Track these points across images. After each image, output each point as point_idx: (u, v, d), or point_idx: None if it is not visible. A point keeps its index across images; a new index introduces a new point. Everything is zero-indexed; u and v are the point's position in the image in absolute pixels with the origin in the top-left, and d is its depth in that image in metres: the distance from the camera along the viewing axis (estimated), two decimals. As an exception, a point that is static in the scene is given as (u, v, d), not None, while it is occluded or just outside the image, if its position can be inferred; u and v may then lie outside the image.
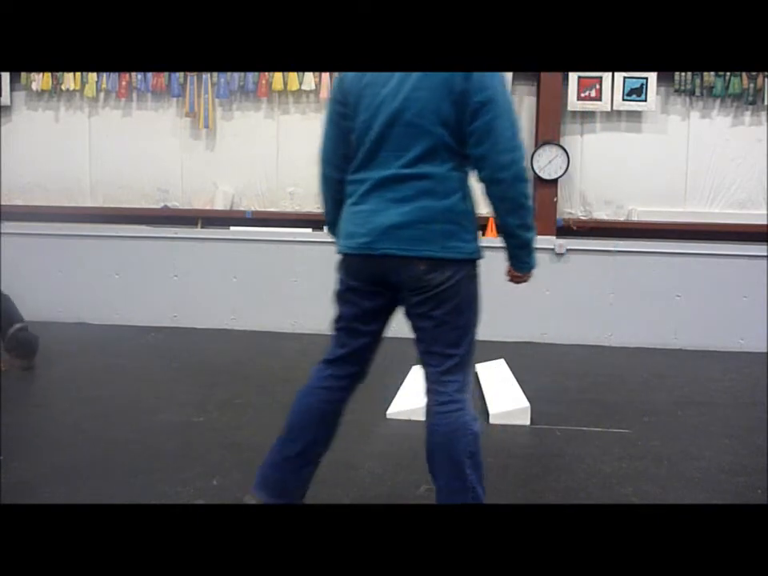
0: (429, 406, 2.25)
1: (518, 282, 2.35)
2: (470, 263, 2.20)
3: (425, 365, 2.27)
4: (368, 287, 2.26)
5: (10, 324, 4.84)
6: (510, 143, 2.06)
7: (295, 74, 7.23)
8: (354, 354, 2.40)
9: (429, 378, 2.26)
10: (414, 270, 2.13)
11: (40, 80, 7.57)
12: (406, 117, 2.10)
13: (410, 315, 2.26)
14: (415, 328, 2.26)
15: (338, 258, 2.32)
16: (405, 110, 2.10)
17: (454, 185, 2.13)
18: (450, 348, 2.20)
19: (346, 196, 2.29)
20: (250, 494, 2.44)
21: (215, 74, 7.33)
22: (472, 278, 2.22)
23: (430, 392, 2.26)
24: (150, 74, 7.37)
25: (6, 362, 4.77)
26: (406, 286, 2.17)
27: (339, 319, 2.40)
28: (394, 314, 2.37)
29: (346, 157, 2.30)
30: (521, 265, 2.28)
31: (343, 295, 2.34)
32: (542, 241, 6.75)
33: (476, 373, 4.91)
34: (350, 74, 2.23)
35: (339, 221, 2.33)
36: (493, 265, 7.18)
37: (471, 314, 2.23)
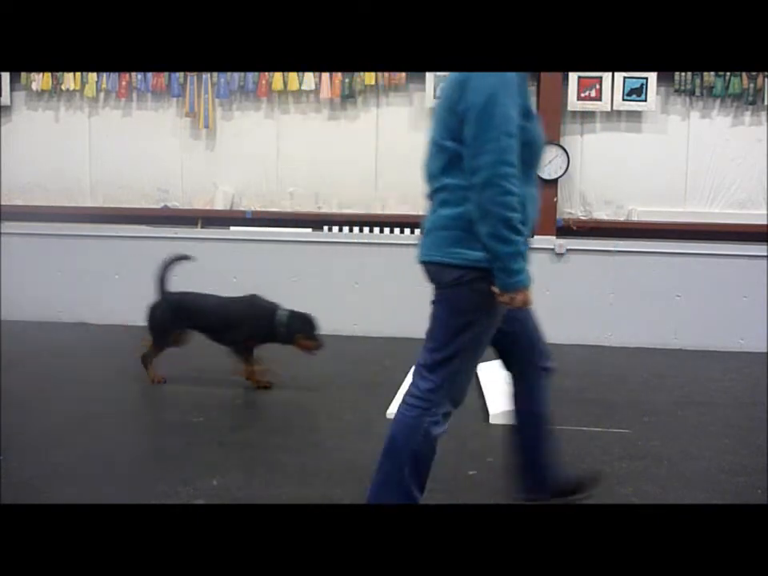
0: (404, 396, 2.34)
1: (506, 304, 2.16)
2: (474, 270, 2.15)
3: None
4: None
5: None
6: (480, 147, 2.03)
7: (295, 73, 7.22)
8: None
9: (414, 371, 2.33)
10: (428, 273, 2.27)
11: (40, 80, 7.56)
12: (432, 134, 2.25)
13: None
14: None
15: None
16: (432, 127, 2.26)
17: (467, 194, 2.12)
18: (436, 345, 2.24)
19: None
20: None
21: (215, 73, 7.33)
22: (476, 286, 2.16)
23: (410, 384, 2.33)
24: (149, 74, 7.37)
25: None
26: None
27: None
28: None
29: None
30: (498, 282, 2.13)
31: None
32: (541, 241, 6.74)
33: (476, 373, 4.90)
34: None
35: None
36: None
37: (467, 320, 2.20)
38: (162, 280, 4.76)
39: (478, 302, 2.18)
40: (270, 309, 4.53)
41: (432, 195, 2.27)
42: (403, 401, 2.33)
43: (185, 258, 4.89)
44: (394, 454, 2.27)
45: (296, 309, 4.59)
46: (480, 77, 2.06)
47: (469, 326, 2.21)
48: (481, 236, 2.10)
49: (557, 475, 2.63)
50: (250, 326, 4.48)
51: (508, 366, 2.57)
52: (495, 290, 2.13)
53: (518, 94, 2.10)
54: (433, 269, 2.23)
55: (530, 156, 2.17)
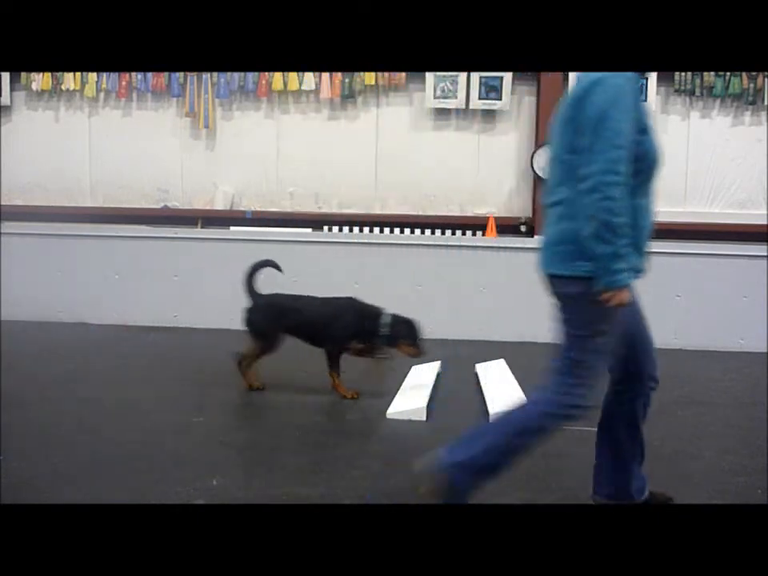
0: None
1: (605, 302, 2.24)
2: (586, 281, 2.25)
3: None
4: None
5: None
6: (591, 158, 2.15)
7: (295, 73, 7.23)
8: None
9: (549, 371, 2.49)
10: (551, 286, 2.42)
11: (40, 80, 7.57)
12: (552, 148, 2.38)
13: None
14: None
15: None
16: (552, 141, 2.38)
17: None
18: (569, 349, 2.38)
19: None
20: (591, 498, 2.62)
21: (215, 73, 7.33)
22: (588, 296, 2.26)
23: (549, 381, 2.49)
24: (149, 74, 7.37)
25: None
26: None
27: None
28: None
29: None
30: (599, 281, 2.23)
31: None
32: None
33: (476, 373, 4.91)
34: None
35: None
36: (493, 265, 7.14)
37: (594, 327, 2.32)
38: (250, 283, 4.55)
39: (601, 310, 2.28)
40: (375, 311, 4.35)
41: (550, 207, 2.38)
42: (537, 395, 2.48)
43: (273, 265, 4.70)
44: (503, 429, 2.41)
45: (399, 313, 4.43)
46: (597, 93, 2.15)
47: (596, 332, 2.32)
48: (583, 238, 2.21)
49: (637, 483, 2.65)
50: (353, 327, 4.31)
51: (613, 368, 2.59)
52: (597, 288, 2.24)
53: (632, 109, 2.18)
54: (557, 282, 2.37)
55: (644, 169, 2.29)
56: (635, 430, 2.61)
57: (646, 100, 6.96)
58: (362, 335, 4.33)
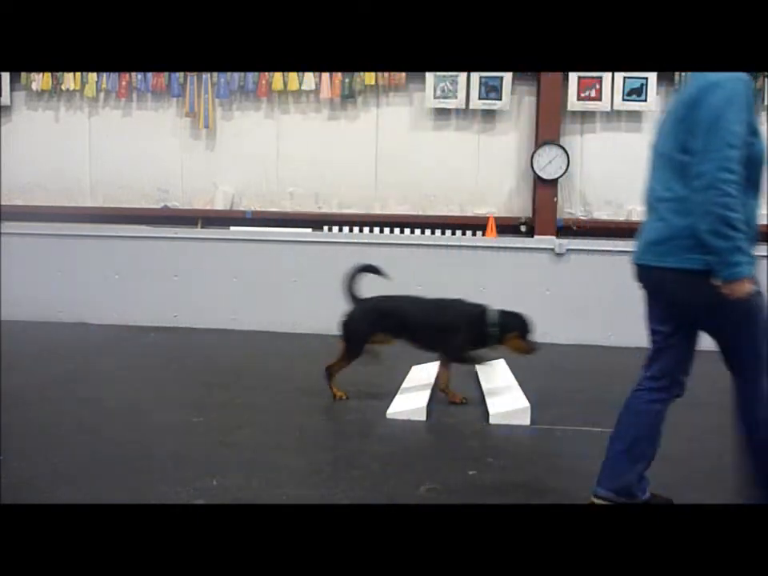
0: None
1: (728, 294, 2.29)
2: (703, 274, 2.30)
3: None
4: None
5: None
6: (705, 156, 2.21)
7: (295, 73, 7.22)
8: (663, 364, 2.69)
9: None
10: (663, 280, 2.46)
11: (40, 80, 7.57)
12: (658, 146, 2.45)
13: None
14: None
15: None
16: (658, 140, 2.46)
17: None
18: (745, 353, 2.54)
19: None
20: (595, 496, 2.60)
21: (215, 73, 7.33)
22: (705, 288, 2.32)
23: None
24: (149, 74, 7.37)
25: None
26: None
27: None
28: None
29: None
30: (719, 274, 2.28)
31: None
32: (541, 241, 6.75)
33: (476, 373, 4.91)
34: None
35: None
36: (493, 265, 7.14)
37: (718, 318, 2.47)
38: (350, 287, 4.35)
39: (720, 297, 2.32)
40: (480, 308, 4.18)
41: (657, 204, 2.43)
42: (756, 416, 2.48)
43: (375, 270, 4.46)
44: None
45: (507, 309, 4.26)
46: (715, 94, 2.21)
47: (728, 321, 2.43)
48: (701, 233, 2.26)
49: (643, 484, 2.68)
50: (465, 329, 4.12)
51: (661, 367, 2.68)
52: (716, 282, 2.28)
53: (746, 111, 2.24)
54: (671, 275, 2.40)
55: (753, 172, 2.32)
56: (656, 432, 2.65)
57: (646, 100, 6.96)
58: (471, 336, 4.16)
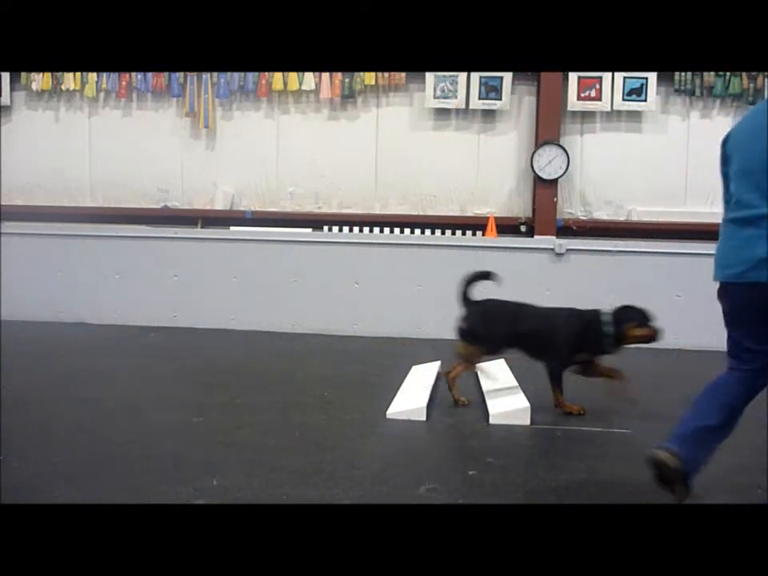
0: None
1: None
2: None
3: None
4: None
5: None
6: None
7: (295, 73, 7.23)
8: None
9: None
10: None
11: (40, 80, 7.57)
12: (744, 160, 2.38)
13: None
14: None
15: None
16: (748, 154, 2.37)
17: None
18: None
19: None
20: (659, 448, 2.60)
21: (215, 73, 7.34)
22: None
23: None
24: (149, 74, 7.37)
25: None
26: None
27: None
28: None
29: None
30: None
31: None
32: (541, 241, 6.75)
33: (476, 373, 4.90)
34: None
35: None
36: (493, 265, 7.17)
37: None
38: (465, 291, 4.25)
39: None
40: (593, 314, 4.01)
41: (760, 221, 2.33)
42: None
43: (489, 277, 4.36)
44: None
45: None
46: None
47: None
48: None
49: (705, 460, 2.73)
50: (577, 339, 3.98)
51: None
52: None
53: None
54: None
55: None
56: (736, 419, 2.73)
57: (646, 100, 6.97)
58: (587, 346, 4.01)
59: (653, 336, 3.96)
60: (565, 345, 4.00)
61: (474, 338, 4.12)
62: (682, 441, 2.65)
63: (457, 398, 4.16)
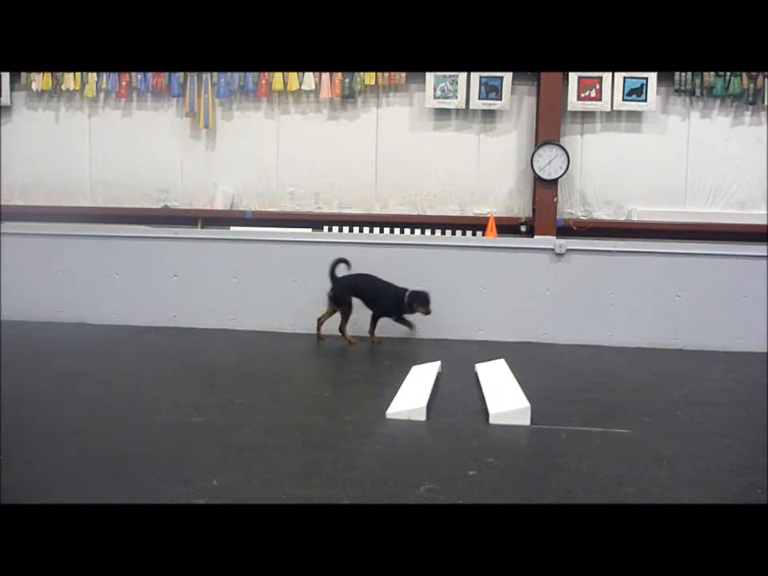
0: None
1: None
2: None
3: None
4: None
5: None
6: None
7: (295, 73, 7.23)
8: None
9: None
10: None
11: (40, 80, 7.57)
12: None
13: None
14: None
15: None
16: None
17: None
18: None
19: None
20: None
21: (215, 73, 7.34)
22: None
23: None
24: (149, 74, 7.37)
25: None
26: None
27: None
28: None
29: None
30: None
31: None
32: (541, 241, 6.75)
33: (476, 373, 4.91)
34: None
35: None
36: (493, 265, 7.13)
37: None
38: (332, 272, 6.22)
39: None
40: (403, 290, 6.24)
41: None
42: None
43: (347, 262, 6.29)
44: None
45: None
46: None
47: None
48: None
49: None
50: (391, 301, 6.27)
51: None
52: None
53: None
54: None
55: None
56: None
57: (646, 100, 6.97)
58: (396, 308, 6.25)
59: (427, 313, 6.10)
60: (384, 304, 6.20)
61: (336, 302, 6.19)
62: None
63: (321, 335, 6.30)
